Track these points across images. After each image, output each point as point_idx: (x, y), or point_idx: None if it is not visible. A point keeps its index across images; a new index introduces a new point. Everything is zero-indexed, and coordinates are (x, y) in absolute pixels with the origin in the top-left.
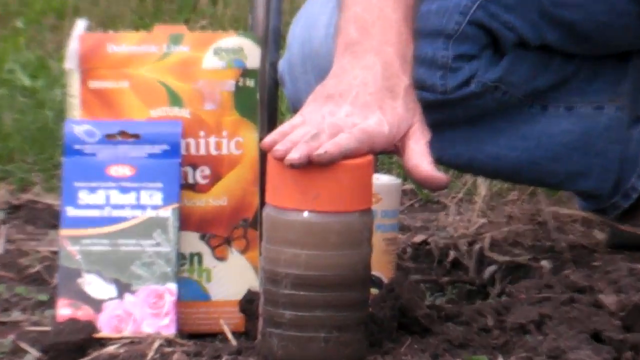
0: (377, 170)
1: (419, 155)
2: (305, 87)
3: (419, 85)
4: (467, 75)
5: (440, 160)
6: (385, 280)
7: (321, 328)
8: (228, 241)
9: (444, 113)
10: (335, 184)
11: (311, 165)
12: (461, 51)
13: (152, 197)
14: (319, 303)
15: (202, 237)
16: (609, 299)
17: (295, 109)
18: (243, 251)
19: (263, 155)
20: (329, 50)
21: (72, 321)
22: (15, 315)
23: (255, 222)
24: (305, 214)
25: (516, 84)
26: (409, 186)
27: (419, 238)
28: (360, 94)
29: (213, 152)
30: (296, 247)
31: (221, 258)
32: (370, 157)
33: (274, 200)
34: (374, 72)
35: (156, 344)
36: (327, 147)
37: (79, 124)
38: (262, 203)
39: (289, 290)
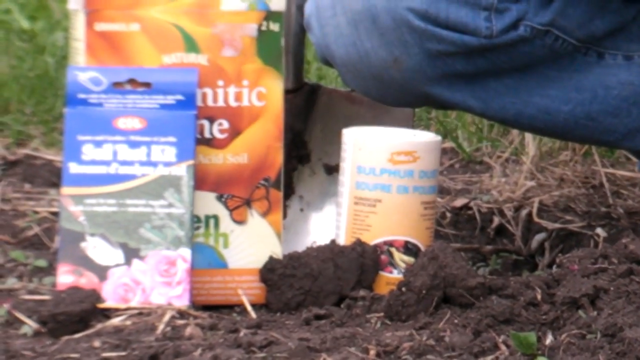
0: (414, 127)
1: None
2: (334, 32)
3: (461, 29)
4: (515, 17)
5: (484, 114)
6: (422, 247)
7: None
8: (248, 203)
9: (488, 60)
10: None
11: None
12: None
13: (165, 152)
14: None
15: (219, 198)
16: None
17: (322, 55)
18: (264, 214)
19: (287, 107)
20: None
21: (74, 290)
22: (11, 282)
23: (279, 182)
24: None
25: (569, 28)
26: (449, 144)
27: (459, 202)
28: None
29: (232, 103)
30: None
31: (240, 221)
32: None
33: None
34: None
35: (167, 316)
36: None
37: (83, 71)
38: (286, 160)
39: None
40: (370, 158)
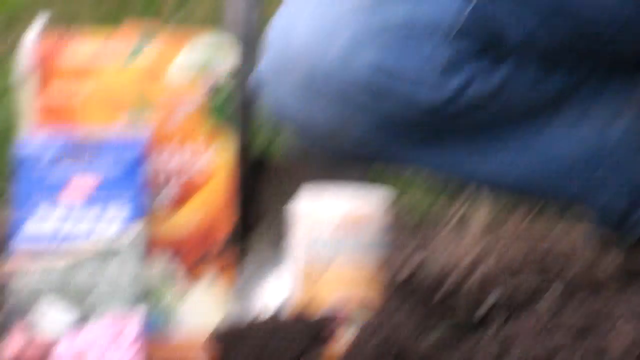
0: (364, 186)
1: None
2: (285, 93)
3: (413, 89)
4: (466, 79)
5: (436, 172)
6: (371, 311)
7: None
8: (201, 265)
9: (440, 120)
10: None
11: None
12: (460, 48)
13: (117, 214)
14: None
15: (172, 261)
16: (626, 328)
17: (278, 114)
18: (217, 277)
19: (240, 167)
20: (310, 50)
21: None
22: None
23: (231, 244)
24: None
25: (520, 90)
26: (403, 200)
27: (410, 264)
28: None
29: (185, 165)
30: None
31: (192, 284)
32: None
33: None
34: None
35: None
36: None
37: (33, 135)
38: (239, 222)
39: None
40: (319, 228)
